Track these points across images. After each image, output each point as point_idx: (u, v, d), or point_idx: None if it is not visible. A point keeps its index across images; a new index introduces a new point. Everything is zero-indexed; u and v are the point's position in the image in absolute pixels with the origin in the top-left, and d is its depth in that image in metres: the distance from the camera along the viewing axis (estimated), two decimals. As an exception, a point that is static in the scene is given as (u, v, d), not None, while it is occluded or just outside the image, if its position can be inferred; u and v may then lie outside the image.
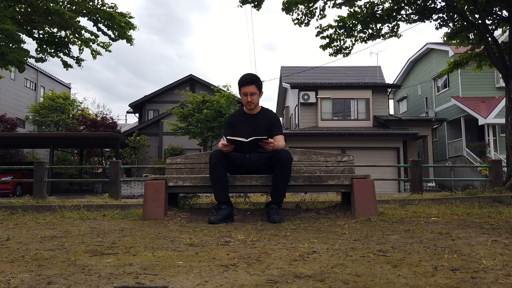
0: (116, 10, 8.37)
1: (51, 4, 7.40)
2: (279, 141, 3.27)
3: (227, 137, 3.05)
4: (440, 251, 1.76)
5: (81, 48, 8.85)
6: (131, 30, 8.73)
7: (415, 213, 3.55)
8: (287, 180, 3.12)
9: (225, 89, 17.99)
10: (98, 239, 2.22)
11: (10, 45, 7.05)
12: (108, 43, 9.00)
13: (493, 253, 1.71)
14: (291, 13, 8.33)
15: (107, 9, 8.10)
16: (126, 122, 39.59)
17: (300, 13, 8.41)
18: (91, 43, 8.77)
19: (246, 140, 3.02)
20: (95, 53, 8.99)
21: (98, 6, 8.01)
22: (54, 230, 2.62)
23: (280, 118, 28.27)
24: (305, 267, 1.50)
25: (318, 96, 18.73)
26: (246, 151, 3.18)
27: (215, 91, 17.88)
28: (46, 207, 4.88)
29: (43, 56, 8.64)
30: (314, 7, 8.32)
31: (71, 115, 24.96)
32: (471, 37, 8.80)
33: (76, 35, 8.48)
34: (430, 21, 8.59)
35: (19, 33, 7.37)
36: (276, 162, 3.09)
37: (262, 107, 3.48)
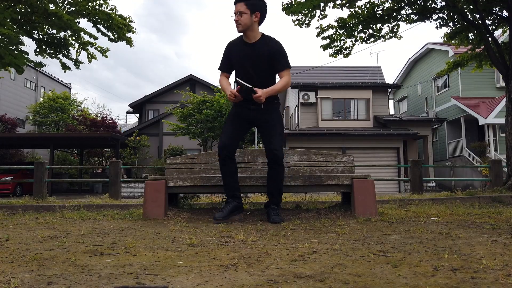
0: (116, 12, 8.38)
1: (50, 6, 7.40)
2: (283, 76, 3.01)
3: (236, 79, 2.88)
4: (440, 251, 1.76)
5: (79, 51, 8.87)
6: (131, 32, 8.74)
7: (415, 213, 3.55)
8: (282, 180, 3.10)
9: (225, 89, 17.94)
10: (98, 239, 2.22)
11: (10, 47, 7.05)
12: (105, 49, 9.05)
13: (493, 253, 1.71)
14: (291, 14, 8.33)
15: (106, 10, 8.09)
16: (126, 122, 39.68)
17: (300, 14, 8.40)
18: (88, 47, 8.79)
19: (250, 87, 2.83)
20: (90, 57, 9.04)
21: (97, 7, 8.02)
22: (54, 230, 2.62)
23: (280, 118, 28.31)
24: (305, 267, 1.50)
25: (318, 96, 18.73)
26: (248, 94, 2.94)
27: (215, 91, 17.89)
28: (46, 207, 4.89)
29: (42, 61, 8.69)
30: (316, 10, 8.33)
31: (71, 115, 24.97)
32: (471, 37, 8.81)
33: (76, 36, 8.48)
34: (430, 21, 8.59)
35: (19, 35, 7.37)
36: (270, 162, 3.05)
37: (263, 34, 3.07)
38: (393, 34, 8.83)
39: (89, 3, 7.93)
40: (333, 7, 8.36)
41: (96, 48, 8.95)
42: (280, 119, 3.14)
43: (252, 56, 3.00)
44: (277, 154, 2.99)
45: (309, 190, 3.51)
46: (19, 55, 7.17)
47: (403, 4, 8.31)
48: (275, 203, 3.10)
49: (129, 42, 8.82)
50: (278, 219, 2.94)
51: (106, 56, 9.14)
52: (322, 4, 8.21)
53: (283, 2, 8.07)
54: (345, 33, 8.74)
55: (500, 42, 8.36)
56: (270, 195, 3.14)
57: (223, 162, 3.01)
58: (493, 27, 8.50)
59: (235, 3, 2.97)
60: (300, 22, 8.56)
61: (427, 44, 21.21)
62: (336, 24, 8.64)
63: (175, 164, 3.75)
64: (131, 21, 8.69)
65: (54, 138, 17.81)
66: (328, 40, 8.91)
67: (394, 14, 8.34)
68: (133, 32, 8.76)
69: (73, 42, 8.69)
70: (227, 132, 3.05)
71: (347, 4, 8.33)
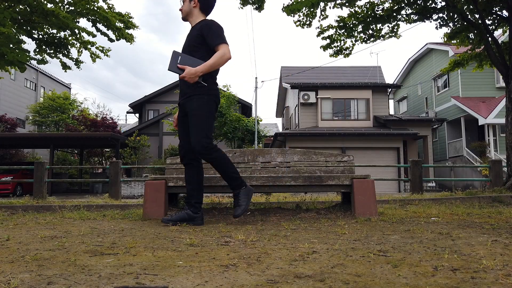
0: (113, 11, 8.32)
1: (48, 5, 7.38)
2: (217, 51, 2.78)
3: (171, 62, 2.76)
4: (440, 251, 1.76)
5: (80, 50, 8.82)
6: (131, 29, 8.67)
7: (415, 213, 3.55)
8: (223, 167, 2.86)
9: (224, 89, 17.99)
10: (98, 239, 2.22)
11: (11, 45, 7.05)
12: (107, 48, 9.01)
13: (493, 253, 1.71)
14: (292, 15, 8.33)
15: (102, 12, 8.04)
16: (126, 122, 39.63)
17: (301, 14, 8.40)
18: (89, 46, 8.75)
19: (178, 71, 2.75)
20: (94, 56, 8.98)
21: (95, 9, 7.98)
22: (54, 230, 2.62)
23: (280, 119, 28.19)
24: (305, 267, 1.50)
25: (318, 96, 18.73)
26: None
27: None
28: (46, 207, 4.89)
29: (44, 58, 8.62)
30: (315, 9, 8.33)
31: (71, 115, 24.98)
32: (471, 37, 8.80)
33: (74, 36, 8.44)
34: (430, 21, 8.59)
35: (19, 35, 7.36)
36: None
37: (205, 19, 2.98)
38: (393, 34, 8.83)
39: (88, 4, 7.90)
40: (333, 7, 8.37)
41: (97, 48, 8.91)
42: (202, 107, 2.81)
43: (187, 40, 2.95)
44: (196, 150, 2.78)
45: (309, 190, 3.51)
46: (20, 52, 7.17)
47: (403, 4, 8.31)
48: (233, 187, 2.90)
49: (129, 40, 8.75)
50: (240, 211, 2.82)
51: (108, 56, 9.11)
52: (322, 4, 8.22)
53: (284, 4, 8.08)
54: (345, 33, 8.75)
55: (500, 42, 8.36)
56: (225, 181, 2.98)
57: (185, 168, 2.96)
58: (493, 27, 8.51)
59: None
60: (302, 22, 8.56)
61: (427, 44, 21.21)
62: (336, 24, 8.65)
63: (175, 164, 3.75)
64: (130, 17, 8.62)
65: (54, 138, 17.80)
66: (328, 41, 8.92)
67: (394, 14, 8.35)
68: (134, 28, 8.64)
69: (74, 41, 8.65)
70: (182, 139, 2.96)
71: (347, 4, 8.33)
